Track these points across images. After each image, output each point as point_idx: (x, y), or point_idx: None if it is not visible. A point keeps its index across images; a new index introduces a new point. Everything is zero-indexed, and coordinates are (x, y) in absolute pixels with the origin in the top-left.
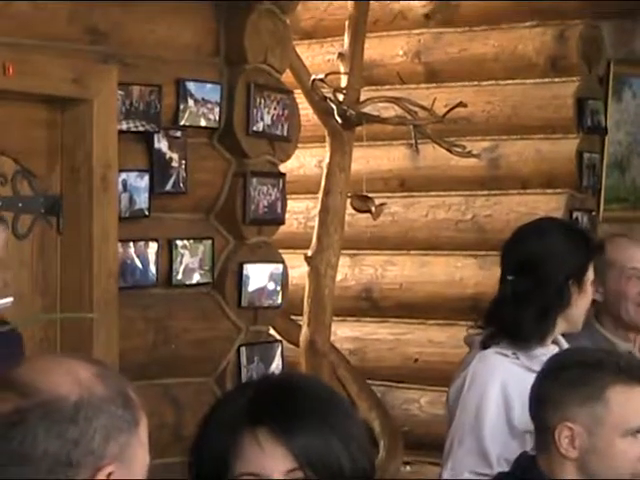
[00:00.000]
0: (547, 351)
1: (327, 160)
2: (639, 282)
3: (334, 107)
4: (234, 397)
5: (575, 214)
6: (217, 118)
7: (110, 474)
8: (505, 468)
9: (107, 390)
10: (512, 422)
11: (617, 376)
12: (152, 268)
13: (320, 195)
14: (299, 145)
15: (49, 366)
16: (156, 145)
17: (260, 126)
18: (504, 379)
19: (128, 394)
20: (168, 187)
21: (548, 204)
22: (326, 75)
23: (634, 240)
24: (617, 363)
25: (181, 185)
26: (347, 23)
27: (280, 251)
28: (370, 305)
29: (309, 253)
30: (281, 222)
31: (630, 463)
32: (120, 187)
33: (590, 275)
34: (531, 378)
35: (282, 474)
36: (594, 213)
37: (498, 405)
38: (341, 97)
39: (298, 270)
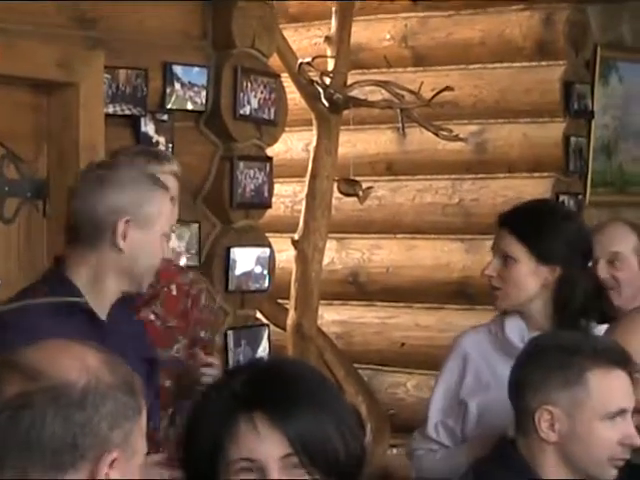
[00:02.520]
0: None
1: (314, 144)
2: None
3: (321, 91)
4: (226, 382)
5: (562, 198)
6: (204, 102)
7: (114, 460)
8: (442, 434)
9: (114, 377)
10: (459, 392)
11: (596, 360)
12: None
13: (307, 179)
14: (286, 129)
15: (56, 351)
16: (143, 129)
17: (247, 110)
18: (468, 352)
19: (133, 382)
20: None
21: (535, 188)
22: (313, 59)
23: (609, 222)
24: (595, 346)
25: None
26: (334, 7)
27: (267, 235)
28: (357, 289)
29: (296, 237)
30: (268, 206)
31: (609, 447)
32: None
33: None
34: (498, 355)
35: (278, 459)
36: (581, 197)
37: (452, 374)
38: (328, 81)
39: (285, 254)
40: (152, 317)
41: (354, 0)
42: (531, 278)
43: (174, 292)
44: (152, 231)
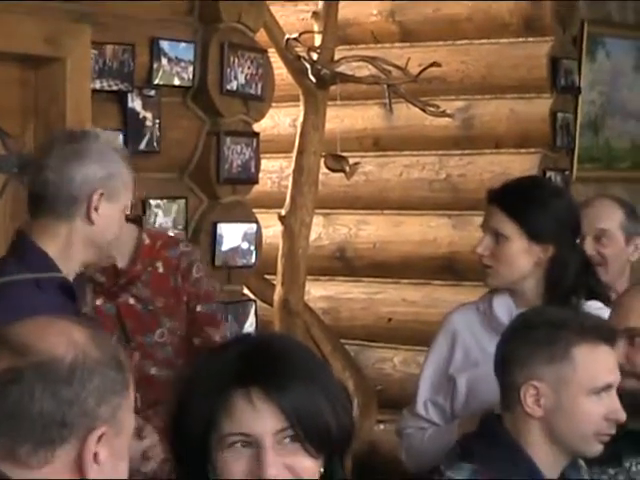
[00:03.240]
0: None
1: (301, 119)
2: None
3: (308, 66)
4: (217, 357)
5: (549, 173)
6: (191, 77)
7: (102, 435)
8: (432, 411)
9: (101, 353)
10: (448, 369)
11: (583, 335)
12: None
13: (294, 154)
14: (273, 104)
15: (44, 327)
16: (130, 104)
17: (234, 85)
18: (457, 329)
19: (120, 357)
20: (142, 146)
21: (522, 164)
22: (300, 34)
23: (593, 198)
24: (582, 322)
25: (155, 144)
26: None
27: (254, 210)
28: (344, 264)
29: (283, 212)
30: (255, 181)
31: (594, 422)
32: None
33: None
34: (486, 332)
35: (273, 434)
36: (567, 173)
37: (441, 351)
38: (315, 56)
39: (272, 229)
40: (132, 301)
41: None
42: (523, 256)
43: (160, 270)
44: (118, 204)
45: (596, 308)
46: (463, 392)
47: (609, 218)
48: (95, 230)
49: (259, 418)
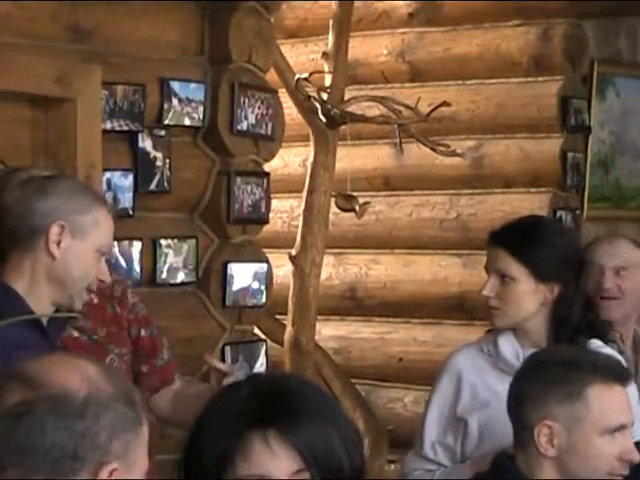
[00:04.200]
0: (515, 351)
1: (311, 159)
2: (597, 276)
3: (318, 106)
4: (231, 397)
5: (559, 213)
6: (201, 117)
7: (113, 471)
8: (440, 453)
9: (114, 389)
10: (456, 410)
11: (595, 375)
12: (136, 267)
13: (304, 194)
14: (283, 144)
15: (56, 362)
16: (140, 144)
17: (244, 125)
18: (461, 370)
19: (132, 394)
20: (152, 186)
21: (532, 203)
22: (310, 74)
23: (610, 237)
24: (595, 362)
25: (165, 184)
26: (331, 22)
27: (264, 250)
28: (354, 304)
29: (293, 252)
30: (265, 221)
31: (608, 462)
32: (104, 186)
33: None
34: (493, 373)
35: (289, 475)
36: (578, 212)
37: (447, 393)
38: (325, 96)
39: (282, 269)
40: (76, 334)
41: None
42: (530, 297)
43: (95, 300)
44: (86, 242)
45: (598, 346)
46: (475, 433)
47: (630, 253)
48: (58, 265)
49: (276, 460)
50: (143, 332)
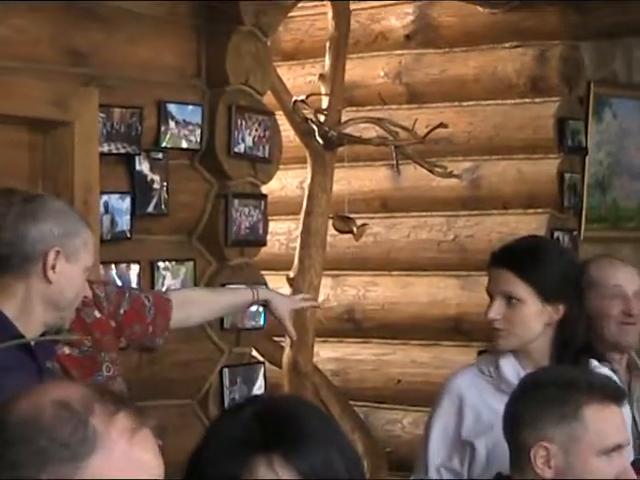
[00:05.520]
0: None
1: (309, 181)
2: (622, 301)
3: (315, 128)
4: (233, 420)
5: (556, 234)
6: (198, 140)
7: None
8: (445, 477)
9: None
10: (460, 433)
11: (592, 395)
12: None
13: (302, 216)
14: (281, 166)
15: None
16: (137, 167)
17: (242, 148)
18: (463, 393)
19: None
20: (150, 209)
21: (529, 224)
22: (307, 96)
23: (616, 260)
24: (590, 382)
25: (163, 207)
26: (328, 44)
27: (262, 272)
28: (353, 326)
29: (291, 274)
30: (263, 243)
31: None
32: (102, 209)
33: None
34: (496, 395)
35: None
36: (575, 233)
37: (449, 416)
38: (322, 118)
39: (281, 291)
40: (67, 350)
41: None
42: (537, 318)
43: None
44: (77, 264)
45: (594, 366)
46: (483, 457)
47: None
48: (53, 289)
49: None
50: (122, 310)
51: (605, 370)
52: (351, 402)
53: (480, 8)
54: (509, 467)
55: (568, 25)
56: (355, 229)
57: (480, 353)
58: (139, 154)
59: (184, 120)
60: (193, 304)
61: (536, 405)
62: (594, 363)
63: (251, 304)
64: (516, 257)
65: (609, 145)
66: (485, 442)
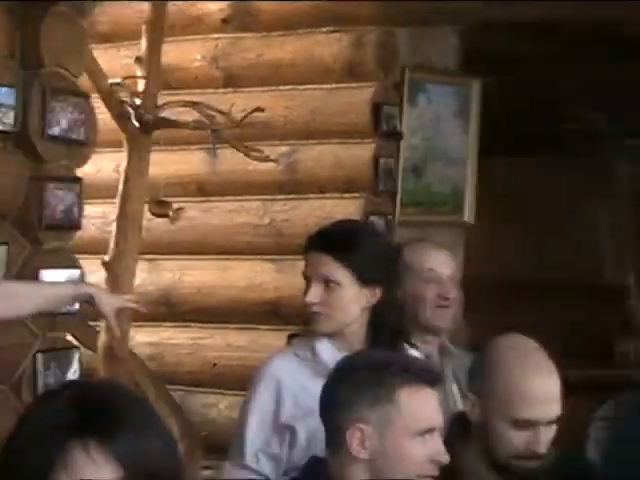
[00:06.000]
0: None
1: (125, 165)
2: (436, 285)
3: (131, 111)
4: (48, 405)
5: (371, 217)
6: (12, 122)
7: None
8: (263, 462)
9: None
10: (279, 418)
11: (407, 378)
12: None
13: (118, 200)
14: (96, 150)
15: None
16: None
17: (56, 130)
18: (280, 378)
19: None
20: None
21: (346, 208)
22: (123, 79)
23: (430, 244)
24: (406, 365)
25: None
26: (144, 27)
27: (78, 256)
28: (169, 310)
29: (107, 258)
30: (78, 227)
31: (418, 464)
32: None
33: None
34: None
35: None
36: (390, 217)
37: (266, 401)
38: (138, 101)
39: (96, 275)
40: None
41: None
42: (355, 301)
43: None
44: None
45: (407, 350)
46: (304, 440)
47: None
48: None
49: (96, 470)
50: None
51: (416, 353)
52: (167, 386)
53: None
54: (325, 449)
55: (383, 10)
56: (171, 213)
57: (291, 337)
58: None
59: None
60: (19, 296)
61: (351, 388)
62: (407, 347)
63: (74, 299)
64: (332, 241)
65: (424, 130)
66: (306, 426)
